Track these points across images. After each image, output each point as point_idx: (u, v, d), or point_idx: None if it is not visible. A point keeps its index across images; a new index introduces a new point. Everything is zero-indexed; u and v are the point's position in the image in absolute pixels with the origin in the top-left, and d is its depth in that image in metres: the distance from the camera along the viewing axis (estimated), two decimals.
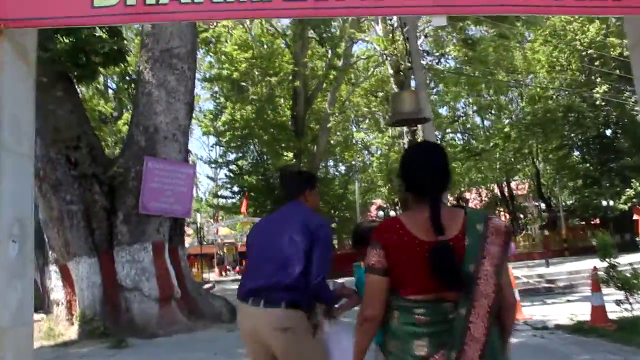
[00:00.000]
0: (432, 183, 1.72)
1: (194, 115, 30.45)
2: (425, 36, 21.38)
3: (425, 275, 1.60)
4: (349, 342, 2.33)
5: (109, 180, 7.91)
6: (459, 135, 31.16)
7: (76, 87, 8.51)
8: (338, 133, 26.67)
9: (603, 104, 23.39)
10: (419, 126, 28.11)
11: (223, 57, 20.97)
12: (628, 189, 22.82)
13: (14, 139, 2.41)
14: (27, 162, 2.53)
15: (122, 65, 9.13)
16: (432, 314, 1.61)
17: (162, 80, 8.07)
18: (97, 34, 7.32)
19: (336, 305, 2.64)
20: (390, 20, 27.89)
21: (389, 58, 24.90)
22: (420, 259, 1.61)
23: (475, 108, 28.84)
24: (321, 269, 2.47)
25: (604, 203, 24.09)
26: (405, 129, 27.00)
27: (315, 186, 2.95)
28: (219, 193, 31.22)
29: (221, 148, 27.35)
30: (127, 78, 14.11)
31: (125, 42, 9.03)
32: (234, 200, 27.67)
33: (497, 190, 34.19)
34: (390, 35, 25.86)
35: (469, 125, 30.66)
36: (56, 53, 7.07)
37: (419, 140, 26.84)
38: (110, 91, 20.92)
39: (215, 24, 20.20)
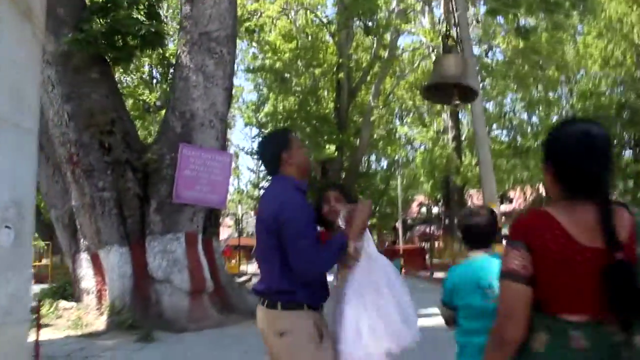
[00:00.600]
0: (605, 179, 1.34)
1: (236, 106, 30.61)
2: (477, 21, 20.77)
3: (589, 292, 1.24)
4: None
5: (143, 167, 7.65)
6: (505, 131, 30.49)
7: (112, 70, 8.28)
8: (381, 127, 26.24)
9: None
10: (465, 118, 27.53)
11: (266, 47, 20.72)
12: None
13: (14, 111, 2.07)
14: (30, 137, 2.18)
15: (160, 49, 8.87)
16: (595, 338, 1.24)
17: (200, 65, 7.76)
18: (134, 16, 7.07)
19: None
20: (438, 8, 27.39)
21: (435, 50, 24.38)
22: (583, 270, 1.25)
23: (523, 103, 28.03)
24: (298, 258, 2.07)
25: None
26: (450, 123, 26.59)
27: (291, 143, 2.38)
28: (260, 185, 31.21)
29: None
30: (166, 63, 13.87)
31: (164, 25, 8.80)
32: None
33: (542, 190, 33.36)
34: (438, 26, 25.34)
35: (515, 122, 29.89)
36: (91, 34, 6.84)
37: (462, 135, 26.52)
38: (155, 81, 20.96)
39: (259, 14, 19.97)
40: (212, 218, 8.63)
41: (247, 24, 16.97)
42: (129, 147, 7.73)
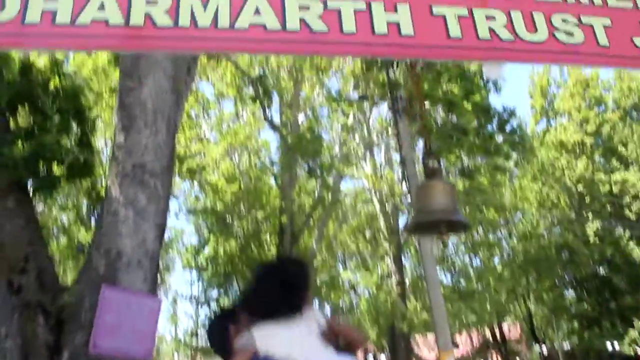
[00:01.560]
0: None
1: (176, 248, 29.63)
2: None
3: None
4: None
5: (57, 311, 6.69)
6: (448, 274, 30.41)
7: (32, 199, 7.58)
8: (324, 272, 25.75)
9: (597, 241, 22.96)
10: (409, 262, 27.36)
11: (208, 187, 20.43)
12: (631, 329, 21.77)
13: None
14: None
15: (89, 179, 8.31)
16: None
17: (132, 198, 7.13)
18: (63, 143, 6.56)
19: None
20: (379, 155, 28.08)
21: (377, 193, 24.65)
22: None
23: (465, 247, 28.28)
24: None
25: (609, 346, 22.77)
26: (392, 266, 26.36)
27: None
28: (199, 332, 29.58)
29: (202, 284, 26.21)
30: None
31: (96, 154, 8.32)
32: None
33: (488, 334, 32.84)
34: (380, 171, 25.86)
35: (459, 265, 29.95)
36: (11, 158, 6.23)
37: (406, 280, 26.20)
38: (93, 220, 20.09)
39: (202, 154, 19.85)
40: None
41: (190, 163, 16.74)
42: (43, 287, 6.80)
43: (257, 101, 14.81)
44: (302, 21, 2.01)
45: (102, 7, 1.85)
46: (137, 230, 7.45)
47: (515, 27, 2.17)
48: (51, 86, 6.69)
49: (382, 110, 25.61)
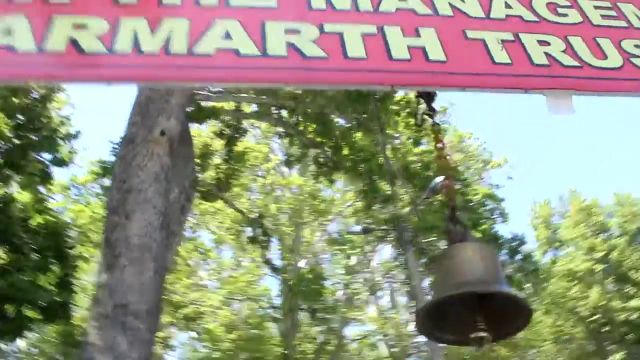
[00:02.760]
0: None
1: None
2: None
3: None
4: None
5: None
6: None
7: None
8: None
9: None
10: None
11: (206, 336, 19.43)
12: None
13: None
14: None
15: (67, 321, 7.59)
16: None
17: (111, 343, 6.45)
18: (39, 283, 6.00)
19: None
20: (382, 298, 27.23)
21: (384, 337, 23.57)
22: None
23: None
24: None
25: None
26: None
27: None
28: None
29: None
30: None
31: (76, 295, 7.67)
32: None
33: None
34: (385, 314, 24.92)
35: None
36: None
37: None
38: None
39: (200, 302, 19.10)
40: None
41: (184, 310, 15.99)
42: None
43: (256, 243, 14.40)
44: (291, 46, 1.64)
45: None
46: None
47: (577, 52, 1.81)
48: (32, 223, 6.29)
49: (385, 252, 25.20)
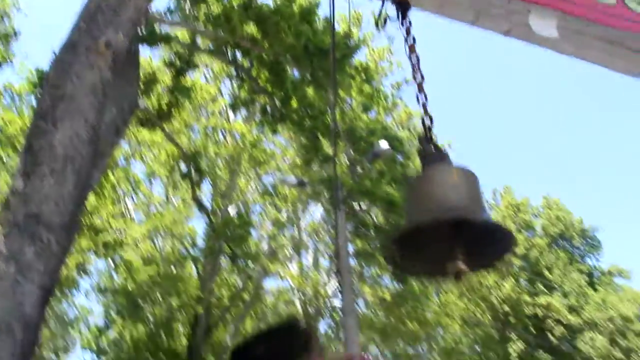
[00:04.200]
0: None
1: (79, 328, 27.36)
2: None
3: None
4: None
5: None
6: None
7: None
8: None
9: None
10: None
11: (123, 266, 19.10)
12: None
13: None
14: None
15: None
16: None
17: (16, 252, 6.17)
18: None
19: None
20: (306, 259, 27.53)
21: (301, 296, 23.84)
22: None
23: (387, 358, 27.47)
24: None
25: None
26: None
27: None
28: None
29: None
30: None
31: None
32: None
33: None
34: (306, 273, 25.17)
35: None
36: None
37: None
38: None
39: (123, 232, 18.74)
40: None
41: (105, 237, 15.64)
42: None
43: (189, 181, 14.14)
44: None
45: None
46: (14, 290, 6.36)
47: None
48: None
49: (316, 213, 25.34)
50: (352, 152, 14.32)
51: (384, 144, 11.23)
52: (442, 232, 1.96)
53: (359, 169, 14.69)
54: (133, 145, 20.93)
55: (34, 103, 14.76)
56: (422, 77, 2.35)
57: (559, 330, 24.33)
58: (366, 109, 15.24)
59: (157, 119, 12.21)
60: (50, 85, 6.62)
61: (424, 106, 2.24)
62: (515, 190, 30.70)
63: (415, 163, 17.42)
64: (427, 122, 2.19)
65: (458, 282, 1.80)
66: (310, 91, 13.08)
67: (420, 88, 2.32)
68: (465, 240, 1.94)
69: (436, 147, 2.10)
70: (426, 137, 2.13)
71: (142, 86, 10.81)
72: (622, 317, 25.29)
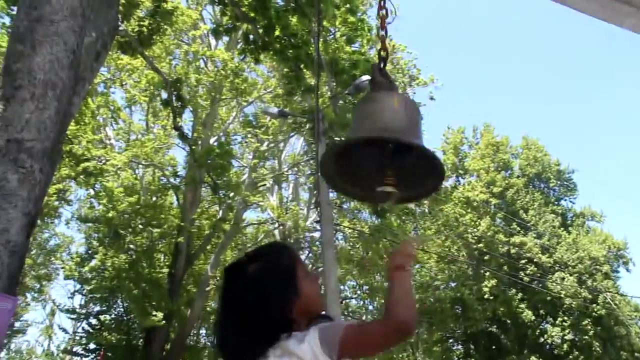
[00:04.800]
0: None
1: (61, 257, 27.53)
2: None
3: None
4: None
5: None
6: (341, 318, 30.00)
7: None
8: (216, 300, 24.66)
9: (491, 298, 23.52)
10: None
11: (104, 195, 19.03)
12: None
13: None
14: None
15: None
16: None
17: (0, 178, 6.11)
18: None
19: None
20: (287, 190, 27.72)
21: (280, 227, 24.09)
22: None
23: (361, 291, 28.14)
24: None
25: None
26: None
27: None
28: (74, 349, 27.34)
29: (83, 297, 24.43)
30: None
31: None
32: None
33: None
34: (285, 205, 25.35)
35: (351, 308, 29.72)
36: None
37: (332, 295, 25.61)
38: None
39: (103, 160, 18.58)
40: None
41: (84, 164, 15.48)
42: None
43: (170, 108, 13.93)
44: None
45: None
46: None
47: None
48: None
49: (296, 145, 25.32)
50: (334, 84, 14.17)
51: (366, 77, 11.13)
52: (377, 156, 2.08)
53: (340, 101, 14.58)
54: (112, 71, 20.51)
55: (9, 24, 14.31)
56: (387, 13, 2.42)
57: (530, 269, 25.03)
58: (350, 41, 14.99)
59: (137, 45, 11.89)
60: (26, 5, 6.39)
61: (383, 40, 2.32)
62: (495, 129, 30.93)
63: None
64: (383, 54, 2.27)
65: (384, 205, 1.90)
66: (294, 20, 12.79)
67: (383, 23, 2.40)
68: (398, 167, 2.04)
69: (387, 77, 2.19)
70: (379, 68, 2.21)
71: (122, 9, 10.48)
72: (592, 258, 26.01)
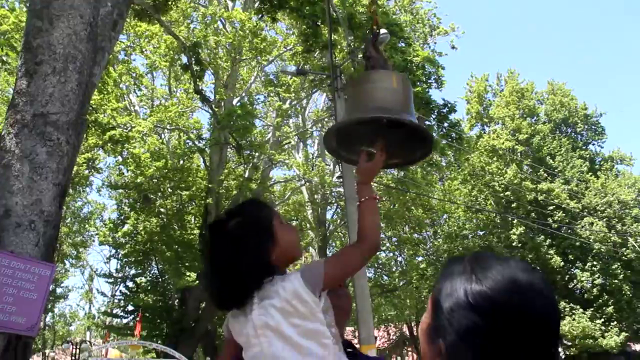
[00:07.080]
0: None
1: (95, 224, 28.22)
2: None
3: None
4: None
5: None
6: (371, 270, 30.39)
7: None
8: None
9: (519, 245, 23.51)
10: (333, 249, 27.11)
11: (130, 160, 19.33)
12: None
13: None
14: None
15: None
16: None
17: (29, 152, 6.31)
18: None
19: None
20: (312, 146, 27.80)
21: (307, 183, 24.23)
22: None
23: (391, 242, 28.35)
24: None
25: None
26: (317, 257, 26.08)
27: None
28: (113, 311, 28.33)
29: (118, 261, 25.13)
30: None
31: None
32: (126, 321, 24.93)
33: (405, 329, 33.16)
34: (311, 161, 25.46)
35: (381, 261, 30.01)
36: None
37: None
38: None
39: (129, 127, 18.81)
40: (19, 350, 6.66)
41: (111, 132, 15.73)
42: None
43: (190, 72, 14.01)
44: None
45: None
46: (31, 188, 6.52)
47: None
48: None
49: (319, 102, 25.25)
50: (351, 39, 14.06)
51: (384, 31, 11.02)
52: (375, 129, 2.20)
53: (359, 56, 14.48)
54: (132, 38, 20.57)
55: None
56: None
57: (558, 215, 24.86)
58: None
59: (153, 11, 11.92)
60: None
61: (376, 20, 2.46)
62: (520, 75, 30.31)
63: (415, 48, 17.13)
64: (376, 29, 2.39)
65: (365, 161, 2.07)
66: None
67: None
68: (392, 138, 2.17)
69: (380, 52, 2.30)
70: (372, 43, 2.31)
71: None
72: (621, 202, 25.73)
